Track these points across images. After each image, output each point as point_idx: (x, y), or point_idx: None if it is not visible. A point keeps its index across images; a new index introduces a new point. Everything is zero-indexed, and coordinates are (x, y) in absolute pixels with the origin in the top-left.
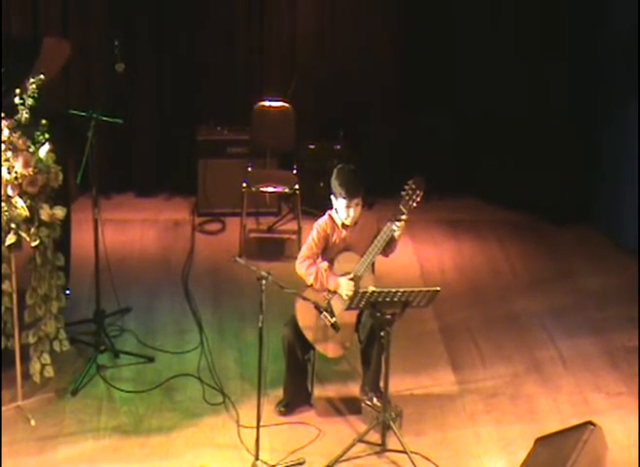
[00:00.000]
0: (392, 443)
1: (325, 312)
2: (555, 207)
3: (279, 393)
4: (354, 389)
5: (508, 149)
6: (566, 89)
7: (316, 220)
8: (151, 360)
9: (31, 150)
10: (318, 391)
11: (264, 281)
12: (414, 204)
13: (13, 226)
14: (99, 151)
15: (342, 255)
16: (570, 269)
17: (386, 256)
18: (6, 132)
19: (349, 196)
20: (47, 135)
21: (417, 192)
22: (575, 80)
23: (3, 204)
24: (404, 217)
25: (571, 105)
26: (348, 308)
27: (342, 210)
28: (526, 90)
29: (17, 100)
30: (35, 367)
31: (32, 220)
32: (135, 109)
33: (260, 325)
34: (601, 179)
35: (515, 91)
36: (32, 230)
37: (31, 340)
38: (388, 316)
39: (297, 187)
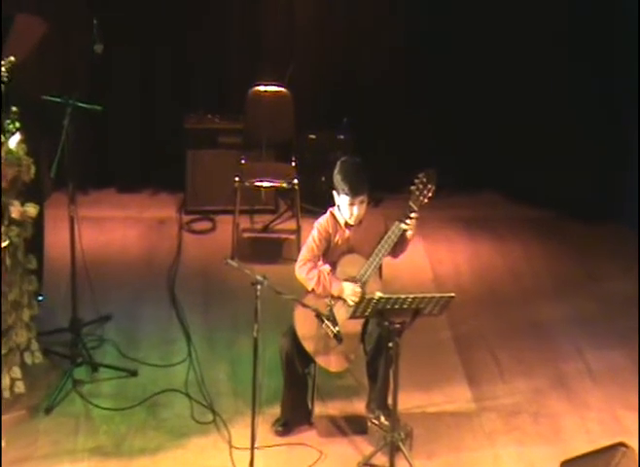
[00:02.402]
0: (401, 466)
1: (327, 321)
2: (582, 203)
3: (276, 411)
4: (359, 406)
5: (529, 140)
6: (594, 79)
7: (317, 218)
8: (133, 374)
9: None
10: (319, 409)
11: (259, 286)
12: (426, 200)
13: None
14: (76, 141)
15: (346, 257)
16: (598, 271)
17: (395, 257)
18: None
19: (353, 192)
20: (17, 124)
21: (429, 186)
22: (604, 71)
23: None
24: (414, 215)
25: (601, 95)
26: (353, 317)
27: (346, 208)
28: (549, 79)
29: None
30: (4, 381)
31: (1, 218)
32: (117, 94)
33: (254, 335)
34: (632, 173)
35: (536, 79)
36: (1, 228)
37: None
38: (397, 325)
39: (295, 181)
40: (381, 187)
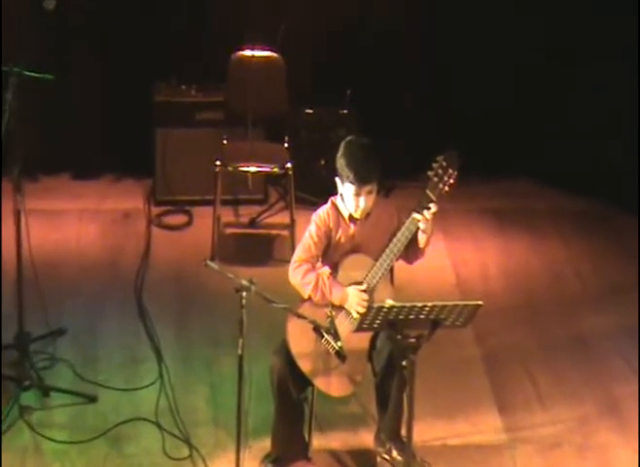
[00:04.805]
0: None
1: (327, 335)
2: (635, 193)
3: (266, 444)
4: (367, 438)
5: (571, 118)
6: None
7: (315, 210)
8: (92, 400)
9: None
10: (318, 441)
11: (244, 293)
12: (446, 189)
13: None
14: (24, 118)
15: (350, 258)
16: None
17: (410, 262)
18: None
19: (360, 180)
20: None
21: (450, 172)
22: None
23: None
24: (432, 206)
25: None
26: (358, 329)
27: (350, 199)
28: (599, 54)
29: None
30: None
31: None
32: (72, 61)
33: (239, 352)
34: None
35: (585, 52)
36: None
37: None
38: (412, 340)
39: (289, 166)
40: (393, 173)
